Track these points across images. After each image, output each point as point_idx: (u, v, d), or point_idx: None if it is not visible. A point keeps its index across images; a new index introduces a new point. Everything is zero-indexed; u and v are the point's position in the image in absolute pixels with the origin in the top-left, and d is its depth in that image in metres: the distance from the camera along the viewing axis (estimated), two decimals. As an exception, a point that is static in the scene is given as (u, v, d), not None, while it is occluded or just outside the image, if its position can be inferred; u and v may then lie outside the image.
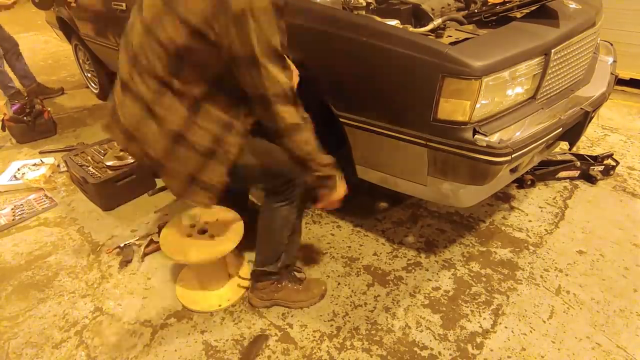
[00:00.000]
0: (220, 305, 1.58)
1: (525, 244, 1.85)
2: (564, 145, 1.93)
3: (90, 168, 2.24)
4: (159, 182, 2.29)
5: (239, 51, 1.03)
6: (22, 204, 2.23)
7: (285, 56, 1.11)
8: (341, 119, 1.55)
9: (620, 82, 3.08)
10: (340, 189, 1.35)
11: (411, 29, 1.52)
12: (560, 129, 1.45)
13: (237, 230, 1.55)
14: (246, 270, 1.72)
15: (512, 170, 1.51)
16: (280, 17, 1.10)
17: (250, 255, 1.81)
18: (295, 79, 1.34)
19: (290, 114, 1.11)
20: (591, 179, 2.24)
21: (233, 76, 1.09)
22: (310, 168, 1.20)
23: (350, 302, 1.60)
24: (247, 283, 1.63)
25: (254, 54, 1.02)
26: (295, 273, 1.63)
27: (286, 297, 1.56)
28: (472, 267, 1.74)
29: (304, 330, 1.49)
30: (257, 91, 1.08)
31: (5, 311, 1.61)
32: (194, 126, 1.15)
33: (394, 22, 1.48)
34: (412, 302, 1.59)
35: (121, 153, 2.28)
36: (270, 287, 1.55)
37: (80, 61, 3.67)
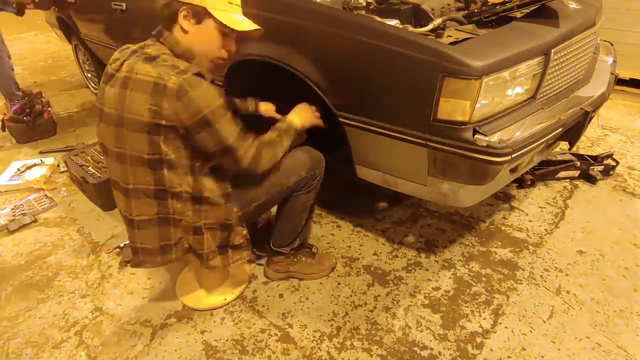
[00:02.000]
0: (225, 299, 1.59)
1: (525, 244, 1.85)
2: (564, 145, 1.93)
3: (90, 168, 2.24)
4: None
5: (190, 118, 1.14)
6: (22, 204, 2.23)
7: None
8: (341, 119, 1.55)
9: (620, 82, 3.08)
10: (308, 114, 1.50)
11: (411, 28, 1.52)
12: (560, 129, 1.45)
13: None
14: (247, 271, 1.73)
15: (512, 170, 1.51)
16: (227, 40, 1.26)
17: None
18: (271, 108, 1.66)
19: (251, 152, 1.25)
20: (591, 179, 2.24)
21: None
22: (294, 139, 1.40)
23: (350, 302, 1.60)
24: (247, 276, 1.64)
25: (204, 114, 1.14)
26: (308, 248, 1.73)
27: (300, 269, 1.67)
28: (472, 267, 1.74)
29: (304, 330, 1.49)
30: (220, 144, 1.19)
31: (5, 311, 1.61)
32: (202, 212, 1.28)
33: (394, 22, 1.48)
34: (412, 302, 1.59)
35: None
36: (286, 261, 1.65)
37: (80, 61, 3.68)
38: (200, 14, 1.18)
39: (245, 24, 1.23)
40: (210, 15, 1.18)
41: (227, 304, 1.59)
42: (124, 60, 1.18)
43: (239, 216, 1.34)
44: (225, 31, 1.22)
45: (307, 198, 1.50)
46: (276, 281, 1.68)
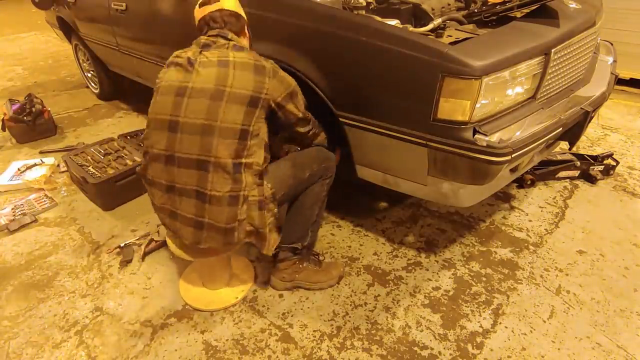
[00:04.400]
0: (231, 300, 1.60)
1: (526, 244, 1.85)
2: (564, 145, 1.93)
3: (90, 168, 2.24)
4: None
5: (284, 91, 1.37)
6: (22, 204, 2.23)
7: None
8: (341, 119, 1.55)
9: (620, 81, 3.08)
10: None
11: (411, 28, 1.52)
12: (560, 128, 1.45)
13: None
14: (251, 272, 1.73)
15: (512, 170, 1.51)
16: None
17: (251, 254, 1.82)
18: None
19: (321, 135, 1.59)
20: (591, 179, 2.24)
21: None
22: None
23: (351, 301, 1.60)
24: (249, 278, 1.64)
25: (291, 89, 1.40)
26: (315, 256, 1.72)
27: (307, 277, 1.64)
28: (472, 267, 1.74)
29: (304, 330, 1.49)
30: (301, 111, 1.45)
31: (6, 311, 1.61)
32: (257, 189, 1.35)
33: (394, 22, 1.48)
34: (412, 301, 1.59)
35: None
36: (292, 268, 1.62)
37: (80, 61, 3.68)
38: (248, 27, 1.50)
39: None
40: (249, 29, 1.51)
41: (233, 304, 1.59)
42: (200, 51, 1.32)
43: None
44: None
45: (320, 188, 1.54)
46: (282, 291, 1.64)
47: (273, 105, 1.34)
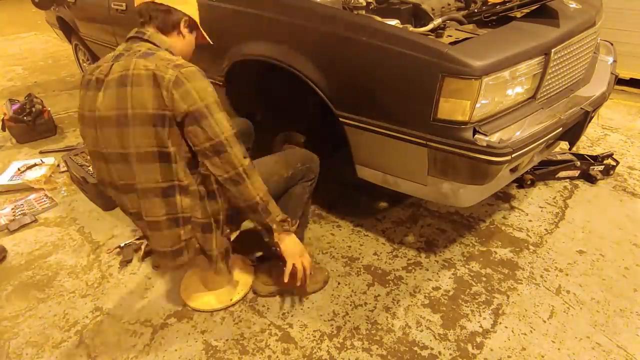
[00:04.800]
0: (231, 300, 1.59)
1: (526, 244, 1.85)
2: (564, 145, 1.93)
3: (90, 168, 2.24)
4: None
5: (185, 109, 1.16)
6: (22, 204, 2.23)
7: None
8: (341, 119, 1.55)
9: (620, 81, 3.08)
10: (302, 260, 1.42)
11: (411, 28, 1.52)
12: (560, 128, 1.45)
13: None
14: (251, 272, 1.73)
15: (512, 170, 1.51)
16: None
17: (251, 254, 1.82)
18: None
19: (242, 155, 1.22)
20: (591, 179, 2.24)
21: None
22: (264, 216, 1.29)
23: (351, 301, 1.60)
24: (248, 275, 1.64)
25: (197, 107, 1.16)
26: None
27: (291, 281, 1.56)
28: (472, 267, 1.74)
29: (304, 330, 1.49)
30: (212, 140, 1.18)
31: (6, 311, 1.61)
32: (207, 208, 1.28)
33: (394, 22, 1.48)
34: (412, 301, 1.59)
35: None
36: (274, 270, 1.57)
37: (80, 61, 3.68)
38: (192, 26, 1.34)
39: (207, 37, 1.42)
40: (198, 28, 1.37)
41: (233, 304, 1.59)
42: (111, 65, 1.19)
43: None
44: (198, 41, 1.40)
45: (302, 189, 1.51)
46: (266, 296, 1.60)
47: (178, 121, 1.15)
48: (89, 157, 2.32)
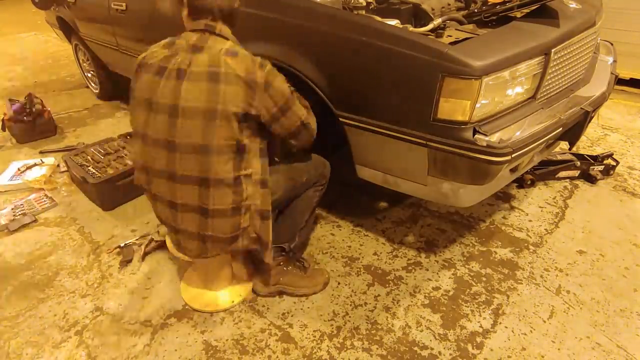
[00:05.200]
0: (232, 301, 1.59)
1: (526, 244, 1.85)
2: (564, 145, 1.93)
3: (90, 168, 2.24)
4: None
5: (275, 105, 1.26)
6: (22, 204, 2.23)
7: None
8: (341, 119, 1.55)
9: (620, 81, 3.08)
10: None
11: (411, 28, 1.52)
12: (560, 128, 1.45)
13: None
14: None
15: (512, 170, 1.51)
16: None
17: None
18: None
19: (313, 122, 1.40)
20: (591, 179, 2.24)
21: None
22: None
23: (351, 301, 1.60)
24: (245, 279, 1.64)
25: (282, 102, 1.27)
26: (300, 262, 1.71)
27: (291, 282, 1.62)
28: (472, 267, 1.74)
29: (304, 330, 1.49)
30: (297, 123, 1.33)
31: (6, 311, 1.61)
32: (258, 197, 1.34)
33: (394, 22, 1.48)
34: (412, 301, 1.59)
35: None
36: (276, 269, 1.60)
37: (80, 61, 3.67)
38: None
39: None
40: None
41: (234, 305, 1.59)
42: (191, 57, 1.21)
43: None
44: None
45: (313, 194, 1.55)
46: (266, 296, 1.61)
47: (267, 117, 1.26)
48: (89, 158, 2.33)
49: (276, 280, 1.60)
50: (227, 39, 1.27)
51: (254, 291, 1.64)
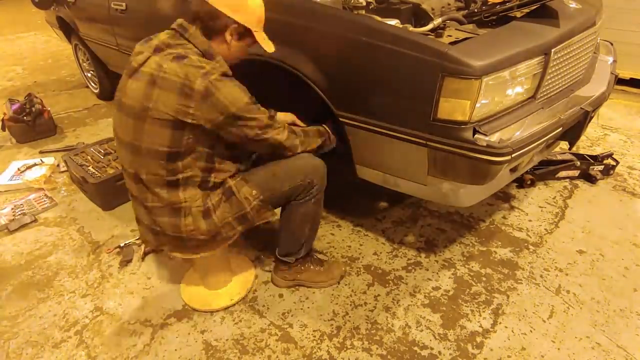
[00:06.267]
0: (232, 300, 1.60)
1: (526, 244, 1.85)
2: (564, 144, 1.93)
3: (90, 168, 2.24)
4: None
5: (217, 117, 1.18)
6: (22, 204, 2.23)
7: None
8: (341, 119, 1.54)
9: (620, 81, 3.08)
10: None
11: (411, 28, 1.52)
12: (560, 128, 1.45)
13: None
14: (252, 272, 1.73)
15: (512, 170, 1.51)
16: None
17: (252, 254, 1.82)
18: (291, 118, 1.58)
19: (280, 135, 1.32)
20: (591, 179, 2.24)
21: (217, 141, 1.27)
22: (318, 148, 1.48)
23: (351, 301, 1.60)
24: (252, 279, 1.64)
25: (231, 112, 1.19)
26: (317, 255, 1.71)
27: (309, 278, 1.64)
28: (472, 267, 1.74)
29: (304, 329, 1.49)
30: (251, 138, 1.26)
31: (6, 311, 1.61)
32: (210, 196, 1.31)
33: (394, 22, 1.48)
34: (412, 301, 1.59)
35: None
36: (293, 269, 1.62)
37: (80, 61, 3.67)
38: (242, 34, 1.29)
39: (271, 45, 1.36)
40: (251, 35, 1.30)
41: (234, 304, 1.59)
42: (149, 56, 1.21)
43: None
44: (252, 47, 1.36)
45: (306, 209, 1.44)
46: (284, 288, 1.65)
47: (207, 128, 1.19)
48: (89, 158, 2.33)
49: (294, 277, 1.64)
50: (194, 45, 1.23)
51: (273, 284, 1.67)
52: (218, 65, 1.21)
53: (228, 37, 1.27)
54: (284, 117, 1.57)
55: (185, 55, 1.18)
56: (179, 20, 1.26)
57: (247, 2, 1.26)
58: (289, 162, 1.39)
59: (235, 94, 1.19)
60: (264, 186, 1.36)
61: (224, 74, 1.19)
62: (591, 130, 2.79)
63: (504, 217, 2.02)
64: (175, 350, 1.44)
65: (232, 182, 1.33)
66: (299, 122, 1.58)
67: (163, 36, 1.25)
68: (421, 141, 1.37)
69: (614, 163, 2.27)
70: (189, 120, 1.16)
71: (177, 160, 1.22)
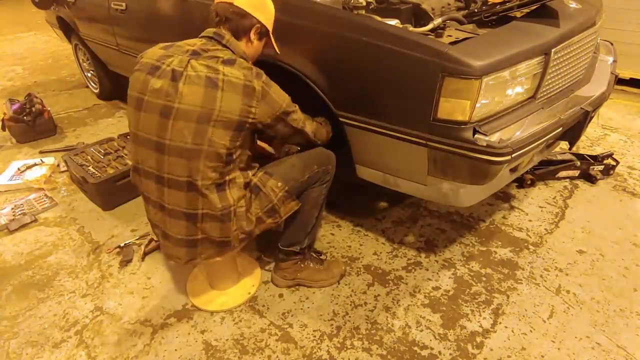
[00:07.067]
0: (249, 293, 1.62)
1: (526, 244, 1.85)
2: (564, 144, 1.93)
3: (90, 168, 2.24)
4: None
5: (273, 114, 1.27)
6: (22, 204, 2.23)
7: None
8: (341, 119, 1.55)
9: (620, 81, 3.08)
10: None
11: (411, 28, 1.52)
12: (560, 128, 1.45)
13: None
14: (257, 273, 1.73)
15: (512, 170, 1.51)
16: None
17: (253, 254, 1.82)
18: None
19: (311, 127, 1.44)
20: (591, 179, 2.24)
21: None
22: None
23: (351, 301, 1.60)
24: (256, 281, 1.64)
25: (283, 108, 1.29)
26: (316, 254, 1.72)
27: (308, 276, 1.64)
28: (472, 267, 1.74)
29: (304, 329, 1.49)
30: (295, 128, 1.37)
31: (6, 311, 1.61)
32: (246, 195, 1.35)
33: (394, 22, 1.48)
34: (412, 301, 1.59)
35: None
36: (293, 267, 1.63)
37: (80, 61, 3.67)
38: (263, 34, 1.38)
39: (277, 46, 1.45)
40: (268, 35, 1.40)
41: (239, 305, 1.59)
42: (188, 60, 1.21)
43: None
44: (265, 48, 1.45)
45: (319, 192, 1.51)
46: (283, 288, 1.66)
47: (260, 126, 1.28)
48: (89, 157, 2.33)
49: (294, 275, 1.64)
50: (231, 51, 1.29)
51: (273, 283, 1.67)
52: (255, 67, 1.26)
53: (253, 36, 1.35)
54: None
55: (234, 59, 1.24)
56: (211, 29, 1.31)
57: (266, 1, 1.36)
58: (304, 153, 1.51)
59: (280, 93, 1.29)
60: (287, 177, 1.41)
61: (266, 75, 1.27)
62: (591, 130, 2.79)
63: (504, 217, 2.02)
64: (175, 350, 1.44)
65: (256, 179, 1.37)
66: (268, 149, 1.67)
67: (196, 42, 1.28)
68: (421, 141, 1.37)
69: (614, 163, 2.27)
70: (250, 119, 1.23)
71: (230, 162, 1.26)
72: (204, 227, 1.30)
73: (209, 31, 1.31)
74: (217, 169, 1.24)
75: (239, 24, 1.31)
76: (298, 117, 1.37)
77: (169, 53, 1.25)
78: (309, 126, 1.44)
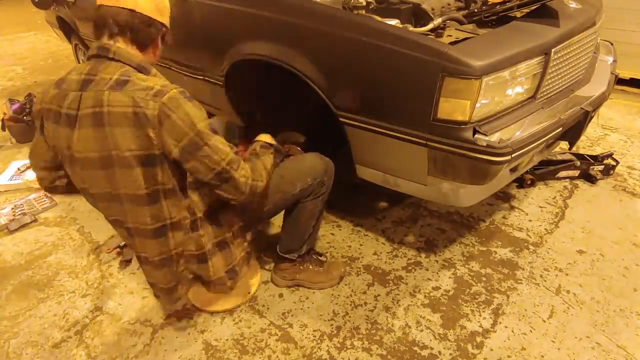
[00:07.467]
0: (249, 293, 1.62)
1: (526, 244, 1.85)
2: (564, 144, 1.93)
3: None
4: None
5: (176, 145, 1.05)
6: (22, 204, 2.23)
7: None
8: (341, 119, 1.54)
9: (620, 81, 3.07)
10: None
11: (411, 28, 1.52)
12: (560, 128, 1.45)
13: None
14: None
15: (512, 170, 1.51)
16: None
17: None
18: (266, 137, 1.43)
19: (246, 172, 1.15)
20: (591, 179, 2.24)
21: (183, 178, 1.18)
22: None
23: (351, 301, 1.60)
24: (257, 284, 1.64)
25: (190, 137, 1.05)
26: (316, 256, 1.70)
27: (308, 278, 1.63)
28: (472, 267, 1.74)
29: (304, 329, 1.49)
30: (214, 169, 1.09)
31: (6, 311, 1.61)
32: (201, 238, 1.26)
33: (394, 22, 1.48)
34: (412, 301, 1.59)
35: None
36: (292, 268, 1.62)
37: (80, 61, 3.67)
38: (165, 34, 1.21)
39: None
40: (168, 36, 1.21)
41: (239, 305, 1.59)
42: (80, 94, 1.05)
43: (239, 227, 1.35)
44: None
45: (314, 205, 1.46)
46: (283, 288, 1.65)
47: (175, 159, 1.07)
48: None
49: (293, 276, 1.63)
50: (126, 62, 1.08)
51: (273, 283, 1.67)
52: (162, 80, 1.08)
53: (159, 42, 1.19)
54: (263, 136, 1.43)
55: (126, 80, 1.03)
56: (93, 45, 1.10)
57: (165, 2, 1.17)
58: (297, 163, 1.43)
59: (191, 113, 1.04)
60: (273, 189, 1.35)
61: (181, 91, 1.06)
62: (591, 130, 2.79)
63: (504, 217, 2.02)
64: (175, 350, 1.44)
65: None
66: (273, 141, 1.44)
67: (84, 68, 1.08)
68: (421, 141, 1.37)
69: (614, 163, 2.27)
70: (157, 151, 1.04)
71: (159, 200, 1.13)
72: (150, 273, 1.27)
73: (93, 48, 1.09)
74: (145, 212, 1.11)
75: (146, 33, 1.12)
76: (219, 154, 1.07)
77: (62, 92, 1.08)
78: (243, 171, 1.13)
